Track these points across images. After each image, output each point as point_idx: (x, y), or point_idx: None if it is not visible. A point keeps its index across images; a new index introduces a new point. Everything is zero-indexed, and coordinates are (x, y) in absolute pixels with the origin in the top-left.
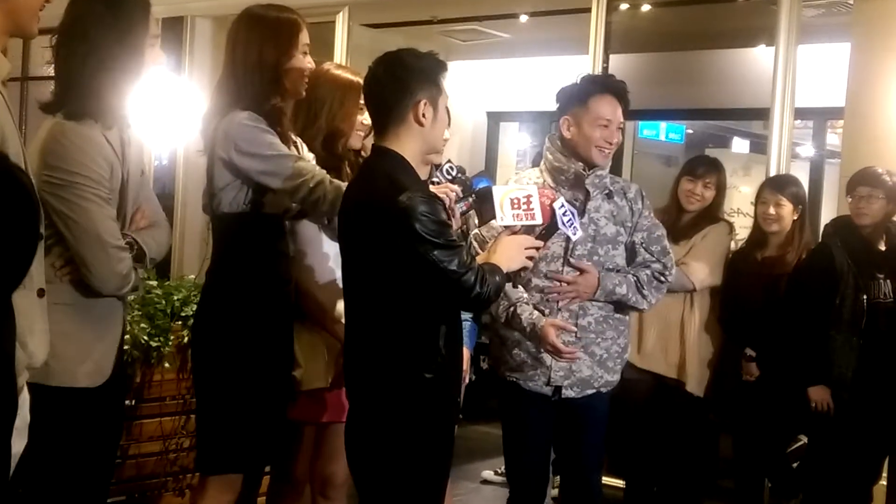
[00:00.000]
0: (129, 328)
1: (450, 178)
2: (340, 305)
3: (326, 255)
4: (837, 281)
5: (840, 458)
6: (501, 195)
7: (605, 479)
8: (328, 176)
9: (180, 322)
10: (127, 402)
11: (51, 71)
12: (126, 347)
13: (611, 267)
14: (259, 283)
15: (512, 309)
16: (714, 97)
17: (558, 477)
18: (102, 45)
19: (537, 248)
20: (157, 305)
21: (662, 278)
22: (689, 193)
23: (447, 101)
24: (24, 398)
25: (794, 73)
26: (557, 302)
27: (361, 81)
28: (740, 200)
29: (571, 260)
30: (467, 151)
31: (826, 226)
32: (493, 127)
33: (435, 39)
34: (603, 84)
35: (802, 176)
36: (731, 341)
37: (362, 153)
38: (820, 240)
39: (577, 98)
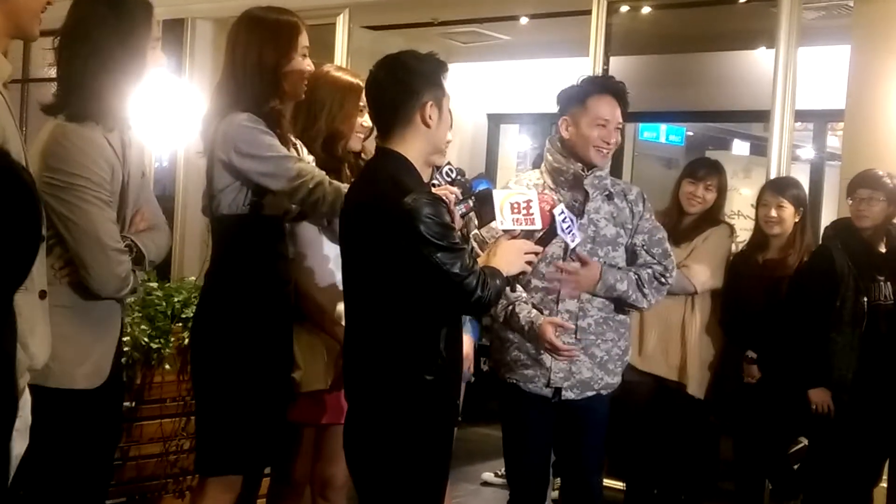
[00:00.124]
0: (129, 330)
1: (449, 180)
2: (340, 307)
3: (326, 258)
4: (838, 283)
5: (840, 460)
6: (502, 199)
7: (606, 481)
8: (327, 177)
9: (181, 324)
10: (127, 403)
11: (52, 73)
12: (126, 349)
13: (613, 267)
14: (258, 285)
15: (510, 308)
16: (714, 99)
17: (558, 479)
18: (105, 47)
19: (536, 254)
20: (157, 307)
21: (663, 279)
22: (691, 196)
23: (450, 100)
24: (26, 399)
25: (795, 75)
26: (557, 303)
27: (361, 83)
28: (740, 203)
29: (575, 253)
30: (467, 153)
31: (826, 228)
32: (493, 129)
33: (435, 41)
34: (601, 84)
35: (803, 178)
36: (732, 343)
37: (362, 155)
38: (820, 242)
39: (575, 99)
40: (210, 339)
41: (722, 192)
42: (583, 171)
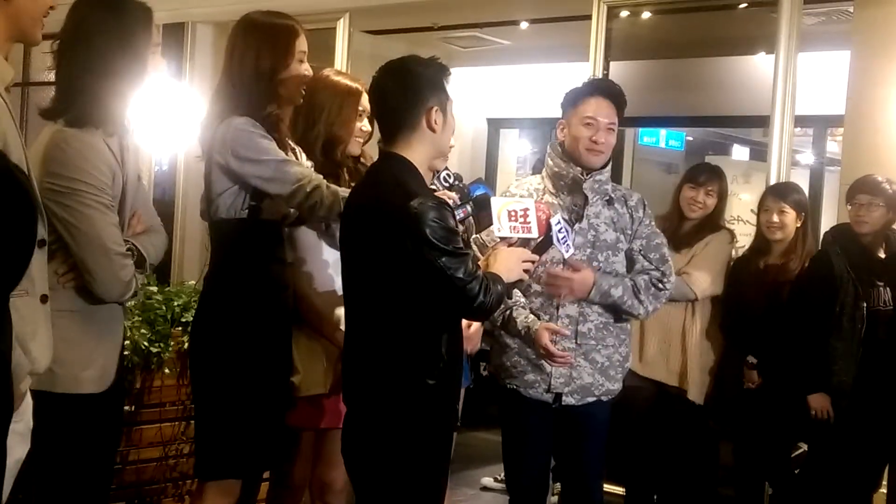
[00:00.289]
0: (129, 334)
1: (447, 185)
2: (339, 312)
3: (325, 262)
4: (837, 288)
5: (840, 465)
6: (499, 207)
7: (606, 486)
8: (325, 181)
9: (180, 328)
10: (126, 407)
11: (52, 76)
12: (126, 353)
13: (610, 273)
14: (256, 290)
15: (508, 312)
16: (714, 104)
17: (558, 484)
18: (106, 51)
19: (533, 262)
20: (157, 311)
21: (661, 285)
22: (692, 201)
23: (452, 104)
24: (28, 403)
25: (794, 80)
26: (557, 308)
27: (360, 88)
28: (740, 208)
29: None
30: (468, 158)
31: (825, 233)
32: (493, 133)
33: (435, 46)
34: (592, 85)
35: (802, 183)
36: (733, 348)
37: (361, 160)
38: (819, 247)
39: (569, 102)
40: (209, 342)
41: (723, 197)
42: (582, 175)
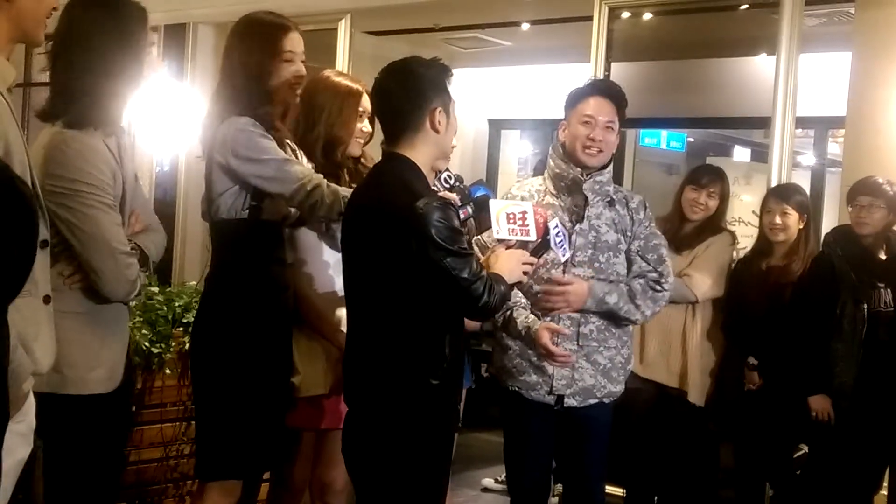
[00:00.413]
0: (130, 334)
1: (448, 186)
2: (339, 312)
3: (326, 263)
4: (838, 290)
5: (841, 467)
6: (498, 209)
7: (606, 488)
8: (325, 180)
9: (181, 328)
10: None
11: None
12: None
13: (611, 274)
14: (257, 290)
15: (508, 313)
16: (715, 106)
17: (558, 486)
18: (103, 51)
19: (531, 265)
20: (158, 312)
21: (658, 287)
22: (693, 202)
23: (455, 104)
24: (30, 404)
25: (796, 81)
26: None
27: (361, 89)
28: (741, 209)
29: (571, 268)
30: (469, 159)
31: (826, 235)
32: (494, 135)
33: (437, 47)
34: (591, 86)
35: (803, 185)
36: (734, 350)
37: (362, 160)
38: (820, 249)
39: (570, 102)
40: (209, 343)
41: (724, 199)
42: (582, 175)
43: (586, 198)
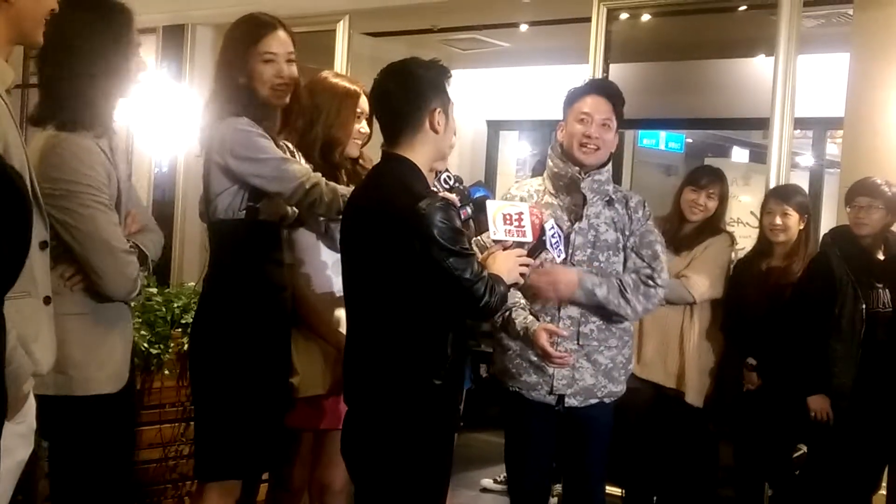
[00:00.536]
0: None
1: (447, 187)
2: (338, 313)
3: (324, 264)
4: (836, 290)
5: (840, 467)
6: (495, 210)
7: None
8: (324, 179)
9: (180, 329)
10: None
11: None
12: None
13: (611, 273)
14: (254, 290)
15: (507, 313)
16: (714, 107)
17: (557, 486)
18: (92, 54)
19: (528, 265)
20: (157, 312)
21: (651, 282)
22: (693, 203)
23: (453, 106)
24: (31, 405)
25: (794, 82)
26: (559, 309)
27: (359, 90)
28: (740, 210)
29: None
30: (467, 160)
31: (825, 235)
32: (492, 135)
33: (435, 48)
34: (588, 84)
35: (802, 186)
36: (733, 349)
37: (360, 161)
38: (818, 249)
39: (568, 102)
40: (208, 344)
41: (724, 200)
42: (579, 174)
43: (584, 197)
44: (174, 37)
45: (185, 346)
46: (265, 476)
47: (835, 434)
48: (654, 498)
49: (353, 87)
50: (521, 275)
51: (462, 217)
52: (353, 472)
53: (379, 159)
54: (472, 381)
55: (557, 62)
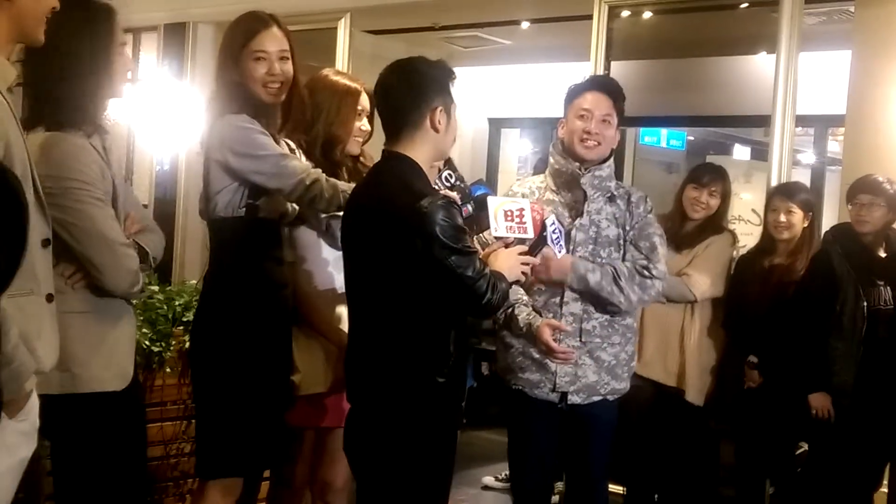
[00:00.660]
0: None
1: (448, 185)
2: (339, 311)
3: (325, 261)
4: (837, 288)
5: (841, 464)
6: (496, 206)
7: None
8: (324, 175)
9: (182, 327)
10: None
11: None
12: None
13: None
14: (254, 288)
15: (510, 310)
16: (715, 104)
17: (559, 483)
18: (76, 54)
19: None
20: (158, 310)
21: (646, 273)
22: (695, 201)
23: (456, 108)
24: (34, 403)
25: (795, 80)
26: (561, 306)
27: (359, 87)
28: (741, 207)
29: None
30: (468, 158)
31: (826, 233)
32: (494, 133)
33: (436, 46)
34: (588, 81)
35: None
36: (735, 347)
37: (361, 159)
38: (820, 247)
39: (568, 98)
40: (208, 341)
41: (726, 198)
42: (580, 170)
43: (585, 193)
44: (175, 35)
45: (187, 344)
46: (266, 474)
47: (836, 432)
48: (656, 496)
49: (353, 84)
50: (524, 273)
51: (463, 215)
52: (355, 470)
53: (380, 157)
54: (474, 378)
55: (559, 60)
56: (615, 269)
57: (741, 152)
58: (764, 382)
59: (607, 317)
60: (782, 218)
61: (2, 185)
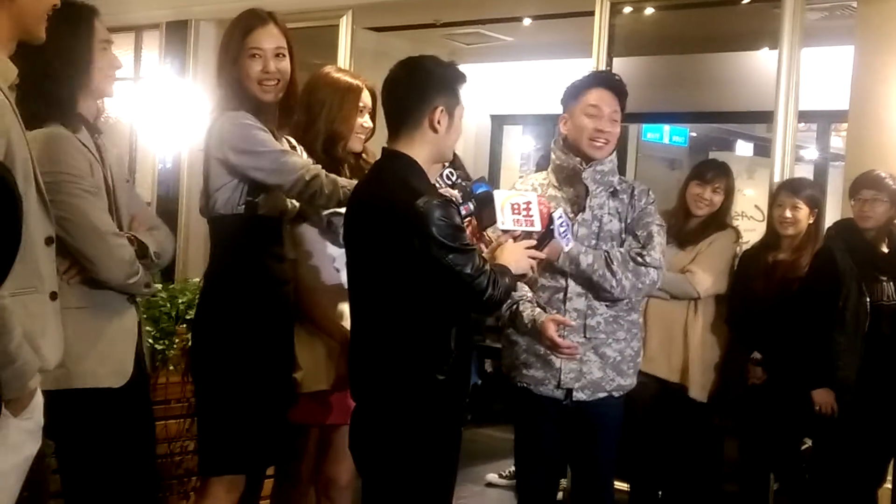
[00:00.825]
0: None
1: (449, 182)
2: (340, 307)
3: (327, 259)
4: (840, 283)
5: (844, 460)
6: (503, 200)
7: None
8: (324, 170)
9: (185, 325)
10: None
11: None
12: None
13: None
14: (254, 285)
15: (514, 307)
16: (718, 100)
17: (563, 480)
18: (55, 52)
19: (537, 256)
20: (161, 309)
21: (640, 259)
22: (698, 198)
23: (463, 112)
24: (38, 401)
25: (798, 76)
26: (565, 302)
27: (361, 84)
28: (744, 203)
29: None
30: (471, 154)
31: (829, 228)
32: (496, 130)
33: (438, 43)
34: (594, 77)
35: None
36: (739, 342)
37: (363, 155)
38: (823, 242)
39: (571, 94)
40: (209, 338)
41: (729, 194)
42: (581, 164)
43: (587, 188)
44: (178, 33)
45: (190, 342)
46: (270, 471)
47: (839, 428)
48: (660, 493)
49: (355, 81)
50: (531, 268)
51: (464, 212)
52: (360, 467)
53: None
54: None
55: (561, 56)
56: (608, 254)
57: (744, 148)
58: (768, 378)
59: (612, 313)
60: (788, 213)
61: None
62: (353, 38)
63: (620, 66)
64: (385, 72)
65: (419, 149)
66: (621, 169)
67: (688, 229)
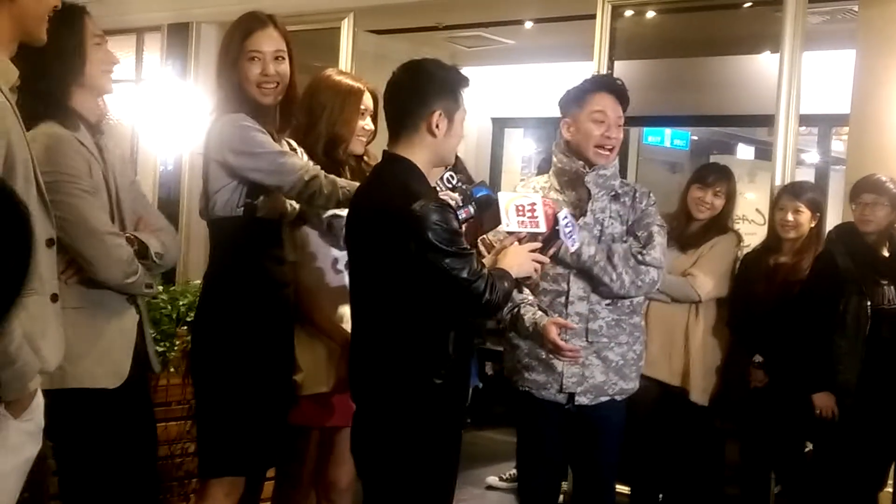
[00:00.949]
0: None
1: (450, 186)
2: (341, 310)
3: (327, 261)
4: (841, 287)
5: (845, 464)
6: (507, 201)
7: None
8: (323, 171)
9: (186, 327)
10: None
11: None
12: None
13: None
14: (253, 287)
15: (516, 310)
16: (719, 104)
17: (564, 483)
18: (46, 52)
19: (542, 259)
20: (162, 311)
21: (640, 257)
22: (699, 201)
23: (464, 116)
24: (38, 402)
25: (799, 79)
26: (567, 306)
27: (362, 87)
28: (745, 207)
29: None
30: (472, 157)
31: (829, 232)
32: (497, 133)
33: (440, 45)
34: (598, 82)
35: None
36: (740, 346)
37: (365, 158)
38: (824, 246)
39: (574, 99)
40: (208, 340)
41: (731, 198)
42: (583, 168)
43: (590, 191)
44: (179, 35)
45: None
46: (270, 474)
47: (840, 431)
48: (661, 496)
49: (356, 84)
50: (535, 270)
51: (464, 216)
52: (360, 469)
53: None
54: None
55: (562, 59)
56: (610, 247)
57: (745, 152)
58: (769, 382)
59: (614, 316)
60: (790, 217)
61: (6, 198)
62: (355, 40)
63: (622, 69)
64: (386, 74)
65: (418, 152)
66: (622, 172)
67: (689, 233)
